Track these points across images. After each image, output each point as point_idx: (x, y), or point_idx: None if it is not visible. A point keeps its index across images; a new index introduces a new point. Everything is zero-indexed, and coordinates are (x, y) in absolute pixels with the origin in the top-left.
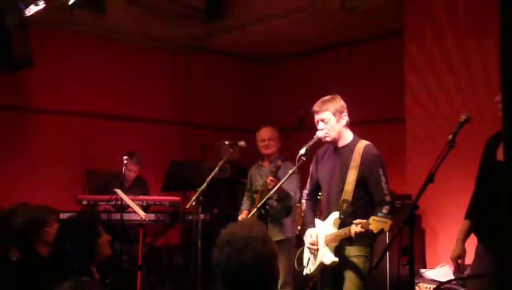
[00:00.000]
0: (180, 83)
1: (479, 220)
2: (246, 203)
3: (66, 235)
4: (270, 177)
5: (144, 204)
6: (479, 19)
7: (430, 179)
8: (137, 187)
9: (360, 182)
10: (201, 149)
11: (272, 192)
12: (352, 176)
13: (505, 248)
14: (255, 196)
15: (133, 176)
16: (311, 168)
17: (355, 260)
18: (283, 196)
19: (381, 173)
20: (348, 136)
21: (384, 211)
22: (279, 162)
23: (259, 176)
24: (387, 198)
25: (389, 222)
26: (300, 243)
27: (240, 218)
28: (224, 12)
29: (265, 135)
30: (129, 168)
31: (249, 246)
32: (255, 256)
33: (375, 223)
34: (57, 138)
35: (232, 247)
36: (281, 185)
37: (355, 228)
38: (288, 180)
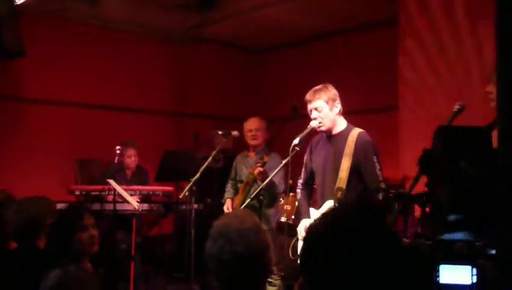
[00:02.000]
0: (173, 73)
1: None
2: (229, 191)
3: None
4: (260, 169)
5: (138, 194)
6: (474, 8)
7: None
8: (138, 177)
9: (354, 170)
10: (194, 139)
11: (264, 183)
12: (346, 164)
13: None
14: (239, 185)
15: (133, 161)
16: (305, 157)
17: None
18: (269, 186)
19: (375, 160)
20: (341, 124)
21: (379, 197)
22: (265, 158)
23: (245, 166)
24: (382, 185)
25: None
26: (294, 232)
27: (225, 207)
28: (218, 2)
29: (253, 126)
30: (128, 155)
31: (241, 237)
32: (248, 247)
33: None
34: (48, 128)
35: (225, 238)
36: (272, 177)
37: None
38: (274, 171)
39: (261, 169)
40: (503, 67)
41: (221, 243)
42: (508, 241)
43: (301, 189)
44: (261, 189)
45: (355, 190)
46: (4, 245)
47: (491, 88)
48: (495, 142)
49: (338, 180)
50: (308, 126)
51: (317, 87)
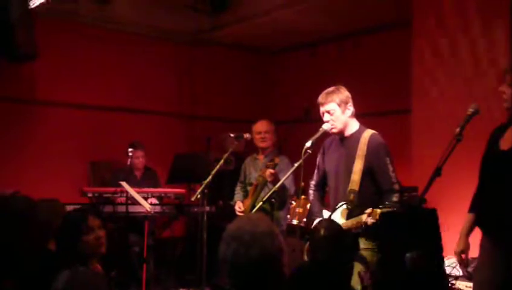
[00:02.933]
0: (185, 75)
1: (482, 212)
2: (239, 193)
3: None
4: (271, 170)
5: (149, 196)
6: (487, 9)
7: (438, 172)
8: (148, 179)
9: (367, 172)
10: (207, 141)
11: (276, 186)
12: (358, 166)
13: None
14: (248, 188)
15: (141, 162)
16: (318, 159)
17: (363, 252)
18: (280, 189)
19: (388, 161)
20: (353, 126)
21: (394, 199)
22: (276, 160)
23: (254, 168)
24: (396, 186)
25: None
26: (305, 234)
27: (236, 207)
28: (228, 4)
29: (262, 128)
30: (136, 156)
31: (256, 241)
32: (263, 251)
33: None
34: (61, 130)
35: (239, 242)
36: (284, 180)
37: (366, 218)
38: (285, 174)
39: (272, 171)
40: None
41: (235, 247)
42: None
43: (313, 190)
44: (273, 192)
45: (367, 192)
46: (43, 245)
47: (505, 88)
48: (507, 144)
49: (350, 182)
50: (321, 129)
51: (329, 90)
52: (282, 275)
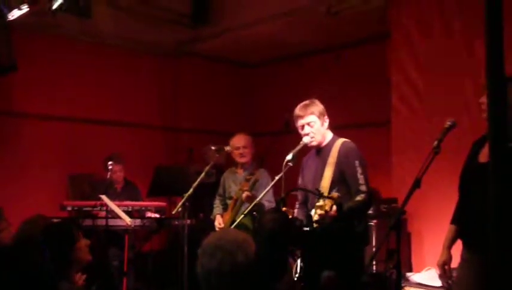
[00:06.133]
0: (166, 88)
1: (463, 224)
2: (218, 207)
3: (45, 241)
4: (247, 193)
5: (130, 209)
6: (467, 21)
7: (417, 184)
8: (128, 192)
9: (340, 178)
10: (188, 153)
11: (258, 199)
12: (328, 172)
13: (491, 250)
14: (228, 201)
15: (120, 176)
16: (299, 181)
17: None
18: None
19: (357, 164)
20: (328, 136)
21: (359, 198)
22: (257, 175)
23: (233, 182)
24: (363, 187)
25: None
26: None
27: (216, 223)
28: (210, 18)
29: (240, 143)
30: (114, 171)
31: (240, 247)
32: (247, 256)
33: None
34: (40, 143)
35: (224, 251)
36: (261, 198)
37: (317, 213)
38: (264, 190)
39: (248, 194)
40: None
41: (220, 256)
42: None
43: (298, 208)
44: (254, 205)
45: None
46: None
47: (485, 99)
48: (485, 157)
49: (320, 188)
50: (301, 142)
51: (306, 102)
52: (263, 281)
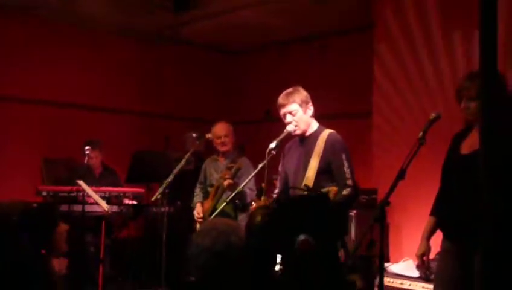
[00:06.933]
0: (146, 73)
1: (443, 215)
2: (199, 195)
3: (23, 225)
4: (229, 181)
5: (107, 195)
6: (448, 15)
7: (401, 175)
8: (106, 178)
9: (325, 169)
10: (165, 140)
11: (240, 187)
12: (314, 163)
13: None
14: (209, 189)
15: (96, 162)
16: (279, 168)
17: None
18: (242, 192)
19: (343, 158)
20: (313, 126)
21: (344, 192)
22: (239, 164)
23: (215, 170)
24: (349, 182)
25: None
26: None
27: (195, 212)
28: (192, 2)
29: (221, 132)
30: (90, 156)
31: (234, 230)
32: (240, 239)
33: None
34: (16, 126)
35: (218, 230)
36: (243, 186)
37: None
38: (246, 178)
39: (230, 182)
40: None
41: (215, 235)
42: None
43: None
44: (236, 193)
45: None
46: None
47: (467, 103)
48: (467, 149)
49: (305, 178)
50: (285, 130)
51: (289, 90)
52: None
